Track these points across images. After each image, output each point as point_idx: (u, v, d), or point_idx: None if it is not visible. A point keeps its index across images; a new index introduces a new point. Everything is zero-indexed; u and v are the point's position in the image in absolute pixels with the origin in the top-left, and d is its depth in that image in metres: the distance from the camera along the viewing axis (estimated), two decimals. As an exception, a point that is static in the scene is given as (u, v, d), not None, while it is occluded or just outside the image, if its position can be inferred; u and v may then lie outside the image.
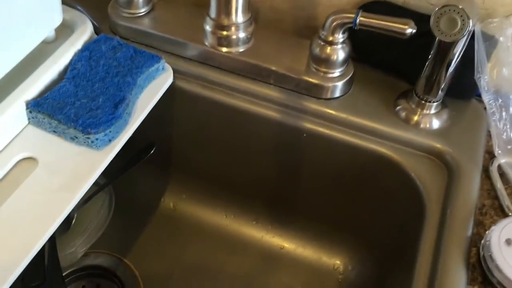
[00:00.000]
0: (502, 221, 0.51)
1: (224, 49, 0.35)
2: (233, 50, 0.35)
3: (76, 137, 0.55)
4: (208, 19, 0.35)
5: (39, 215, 0.51)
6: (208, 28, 0.35)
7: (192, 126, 0.72)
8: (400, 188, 0.61)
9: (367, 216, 0.69)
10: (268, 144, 0.69)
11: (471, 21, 0.48)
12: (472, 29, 0.51)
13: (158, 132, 0.75)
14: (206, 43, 0.36)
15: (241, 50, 0.36)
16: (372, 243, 0.71)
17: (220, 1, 0.34)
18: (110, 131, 0.55)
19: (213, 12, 0.35)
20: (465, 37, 0.51)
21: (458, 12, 0.48)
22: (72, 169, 0.54)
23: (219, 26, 0.35)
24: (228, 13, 0.34)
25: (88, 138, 0.54)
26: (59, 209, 0.51)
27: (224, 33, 0.35)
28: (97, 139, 0.54)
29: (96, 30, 0.70)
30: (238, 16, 0.35)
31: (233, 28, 0.35)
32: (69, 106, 0.56)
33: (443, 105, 0.62)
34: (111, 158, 0.56)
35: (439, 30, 0.50)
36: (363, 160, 0.63)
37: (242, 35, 0.36)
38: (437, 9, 0.50)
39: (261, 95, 0.65)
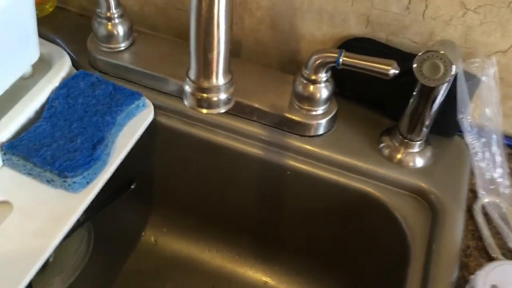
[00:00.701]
0: (487, 265, 0.50)
1: (205, 111, 0.34)
2: (214, 111, 0.35)
3: (53, 180, 0.53)
4: (188, 80, 0.34)
5: (14, 263, 0.49)
6: (188, 89, 0.34)
7: (173, 161, 0.71)
8: (384, 227, 0.61)
9: (352, 253, 0.68)
10: (251, 180, 0.68)
11: (454, 66, 0.48)
12: (455, 73, 0.51)
13: (139, 166, 0.73)
14: (186, 104, 0.35)
15: (222, 111, 0.35)
16: (356, 281, 0.70)
17: (199, 63, 0.33)
18: (88, 174, 0.54)
19: (192, 74, 0.34)
20: (447, 83, 0.51)
21: (441, 58, 0.48)
22: (48, 213, 0.52)
23: (199, 89, 0.34)
24: (208, 76, 0.33)
25: (65, 181, 0.53)
26: (35, 257, 0.49)
27: (205, 95, 0.34)
28: (74, 182, 0.53)
29: (75, 64, 0.69)
30: (219, 78, 0.34)
31: (213, 90, 0.34)
32: (45, 148, 0.54)
33: (427, 142, 0.62)
34: (89, 201, 0.54)
35: (422, 75, 0.50)
36: (347, 198, 0.62)
37: (223, 96, 0.35)
38: (420, 53, 0.49)
39: (244, 132, 0.64)
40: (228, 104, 0.35)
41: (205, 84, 0.33)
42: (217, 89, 0.33)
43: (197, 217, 0.77)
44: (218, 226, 0.76)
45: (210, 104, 0.34)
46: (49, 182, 0.54)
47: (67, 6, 0.78)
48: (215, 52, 0.32)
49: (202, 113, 0.35)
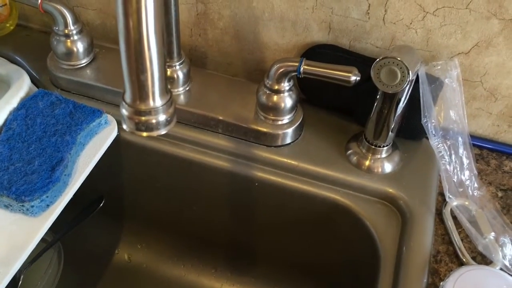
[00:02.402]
0: (455, 271, 0.50)
1: (144, 134, 0.33)
2: (154, 133, 0.34)
3: (10, 205, 0.52)
4: (123, 103, 0.33)
5: (-30, 293, 0.47)
6: (124, 112, 0.33)
7: (141, 177, 0.70)
8: (355, 234, 0.60)
9: (326, 261, 0.67)
10: (220, 193, 0.67)
11: (411, 72, 0.48)
12: (413, 79, 0.50)
13: (107, 184, 0.72)
14: (125, 127, 0.34)
15: (163, 132, 0.34)
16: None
17: (133, 86, 0.32)
18: (47, 197, 0.52)
19: (128, 97, 0.33)
20: (407, 88, 0.51)
21: (398, 64, 0.47)
22: (7, 239, 0.51)
23: (136, 112, 0.33)
24: (143, 98, 0.32)
25: (23, 206, 0.51)
26: (-7, 285, 0.48)
27: (142, 118, 0.33)
28: (32, 206, 0.51)
29: (37, 83, 0.68)
30: (156, 100, 0.33)
31: (151, 113, 0.33)
32: (2, 172, 0.53)
33: (394, 147, 0.61)
34: (49, 225, 0.53)
35: (380, 82, 0.49)
36: (317, 207, 0.62)
37: (162, 118, 0.34)
38: (377, 60, 0.49)
39: (209, 145, 0.63)
40: (169, 125, 0.34)
41: (142, 107, 0.32)
42: (154, 111, 0.32)
43: (171, 233, 0.76)
44: (192, 241, 0.75)
45: (148, 127, 0.33)
46: (7, 207, 0.52)
47: (28, 23, 0.77)
48: (148, 74, 0.31)
49: (142, 136, 0.34)
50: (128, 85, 0.32)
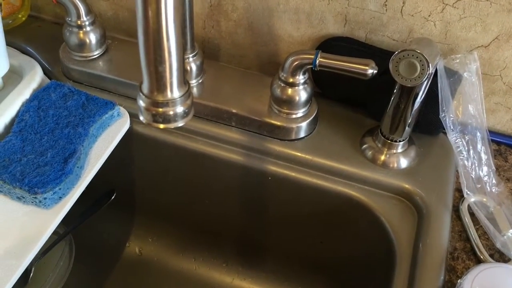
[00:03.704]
0: (473, 269, 0.49)
1: (162, 126, 0.33)
2: (171, 125, 0.33)
3: (23, 197, 0.51)
4: (141, 94, 0.32)
5: (-17, 285, 0.47)
6: (141, 104, 0.33)
7: (153, 170, 0.69)
8: (370, 230, 0.59)
9: (339, 257, 0.67)
10: (233, 187, 0.66)
11: (431, 65, 0.46)
12: (433, 72, 0.49)
13: (119, 177, 0.72)
14: (141, 119, 0.34)
15: (180, 124, 0.33)
16: (344, 285, 0.68)
17: (151, 77, 0.31)
18: (59, 189, 0.52)
19: (145, 88, 0.32)
20: (426, 81, 0.49)
21: (417, 57, 0.46)
22: (19, 231, 0.50)
23: (153, 103, 0.32)
24: (161, 90, 0.32)
25: (36, 198, 0.51)
26: (6, 277, 0.48)
27: (160, 110, 0.32)
28: (45, 198, 0.51)
29: (49, 74, 0.67)
30: (174, 91, 0.32)
31: (169, 105, 0.32)
32: (15, 164, 0.53)
33: (410, 142, 0.60)
34: (62, 217, 0.52)
35: (398, 75, 0.48)
36: (331, 202, 0.61)
37: (179, 110, 0.33)
38: (396, 53, 0.48)
39: (223, 138, 0.62)
40: (186, 117, 0.33)
41: (160, 98, 0.31)
42: (172, 103, 0.32)
43: (182, 226, 0.75)
44: (203, 235, 0.75)
45: (166, 119, 0.32)
46: (19, 199, 0.52)
47: (40, 14, 0.77)
48: (166, 65, 0.30)
49: (159, 128, 0.33)
50: (146, 76, 0.31)
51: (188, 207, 0.72)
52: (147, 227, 0.77)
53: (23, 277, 0.67)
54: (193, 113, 0.34)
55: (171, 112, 0.32)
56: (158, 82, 0.31)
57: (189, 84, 0.33)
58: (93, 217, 0.70)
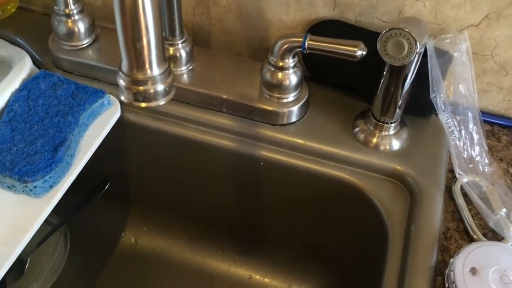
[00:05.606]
0: (465, 248, 0.49)
1: (143, 104, 0.33)
2: (152, 104, 0.33)
3: (14, 186, 0.51)
4: (120, 73, 0.32)
5: (-26, 274, 0.47)
6: (122, 83, 0.32)
7: (146, 158, 0.69)
8: (363, 213, 0.59)
9: (333, 241, 0.67)
10: (226, 173, 0.66)
11: (418, 44, 0.46)
12: (421, 51, 0.49)
13: (112, 166, 0.72)
14: (122, 98, 0.33)
15: (162, 103, 0.33)
16: (340, 268, 0.68)
17: (130, 54, 0.31)
18: (50, 177, 0.52)
19: (124, 67, 0.32)
20: (415, 60, 0.49)
21: (405, 36, 0.46)
22: (11, 220, 0.50)
23: (133, 82, 0.32)
24: (140, 67, 0.31)
25: (26, 186, 0.51)
26: (-3, 266, 0.47)
27: (140, 88, 0.32)
28: (35, 187, 0.51)
29: (39, 64, 0.67)
30: (153, 69, 0.32)
31: (149, 82, 0.32)
32: (5, 153, 0.52)
33: (402, 124, 0.60)
34: (53, 205, 0.52)
35: (386, 54, 0.48)
36: (324, 186, 0.61)
37: (160, 88, 0.33)
38: (383, 32, 0.47)
39: (214, 124, 0.62)
40: (167, 96, 0.33)
41: (139, 76, 0.31)
42: (152, 80, 0.31)
43: (177, 215, 0.75)
44: (199, 223, 0.75)
45: (146, 97, 0.32)
46: (10, 188, 0.52)
47: (30, 6, 0.76)
48: (144, 41, 0.30)
49: (141, 107, 0.33)
50: (124, 54, 0.31)
51: (182, 195, 0.72)
52: (142, 216, 0.77)
53: (18, 269, 0.68)
54: (174, 92, 0.34)
55: (152, 90, 0.32)
56: (137, 59, 0.31)
57: (169, 61, 0.33)
58: (87, 207, 0.70)
